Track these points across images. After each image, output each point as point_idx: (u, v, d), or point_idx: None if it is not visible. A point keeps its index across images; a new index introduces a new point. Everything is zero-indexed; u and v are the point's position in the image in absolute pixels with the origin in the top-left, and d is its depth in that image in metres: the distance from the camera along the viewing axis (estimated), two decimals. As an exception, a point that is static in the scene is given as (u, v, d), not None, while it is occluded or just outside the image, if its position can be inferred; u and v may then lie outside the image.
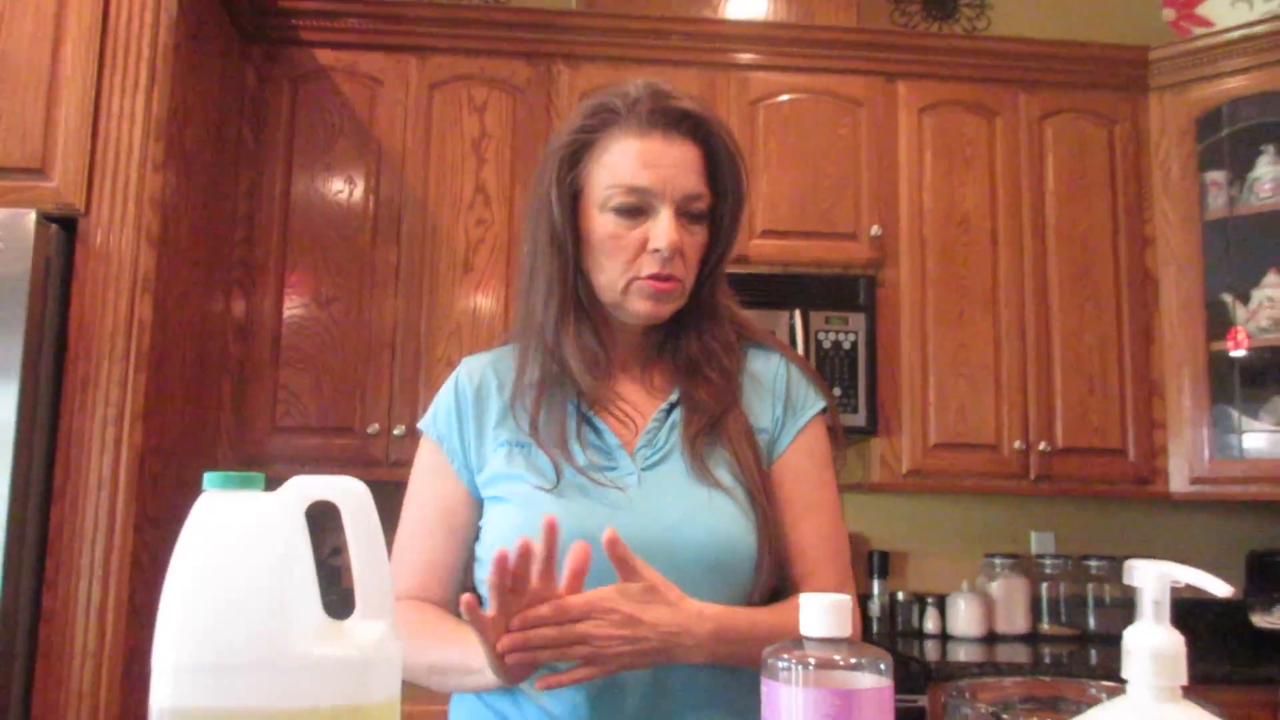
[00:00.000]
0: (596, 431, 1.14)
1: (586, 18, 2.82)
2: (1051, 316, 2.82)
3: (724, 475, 1.12)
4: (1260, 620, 2.78)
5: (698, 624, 1.00)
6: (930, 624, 2.91)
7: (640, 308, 1.13)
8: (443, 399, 1.21)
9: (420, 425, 1.22)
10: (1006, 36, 3.05)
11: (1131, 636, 0.64)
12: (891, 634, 2.92)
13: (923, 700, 2.36)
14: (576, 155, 1.14)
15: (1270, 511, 3.01)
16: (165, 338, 2.12)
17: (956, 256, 2.82)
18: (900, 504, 3.07)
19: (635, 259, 1.11)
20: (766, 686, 0.71)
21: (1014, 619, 2.89)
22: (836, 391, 2.68)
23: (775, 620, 1.05)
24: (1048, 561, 2.98)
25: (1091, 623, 2.91)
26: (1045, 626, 2.92)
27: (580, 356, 1.13)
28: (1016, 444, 2.76)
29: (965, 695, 0.72)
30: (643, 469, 1.12)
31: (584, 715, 1.04)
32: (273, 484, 0.65)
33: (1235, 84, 2.81)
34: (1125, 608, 2.86)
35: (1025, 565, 2.99)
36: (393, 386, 2.63)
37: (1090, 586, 2.92)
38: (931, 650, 2.67)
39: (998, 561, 2.96)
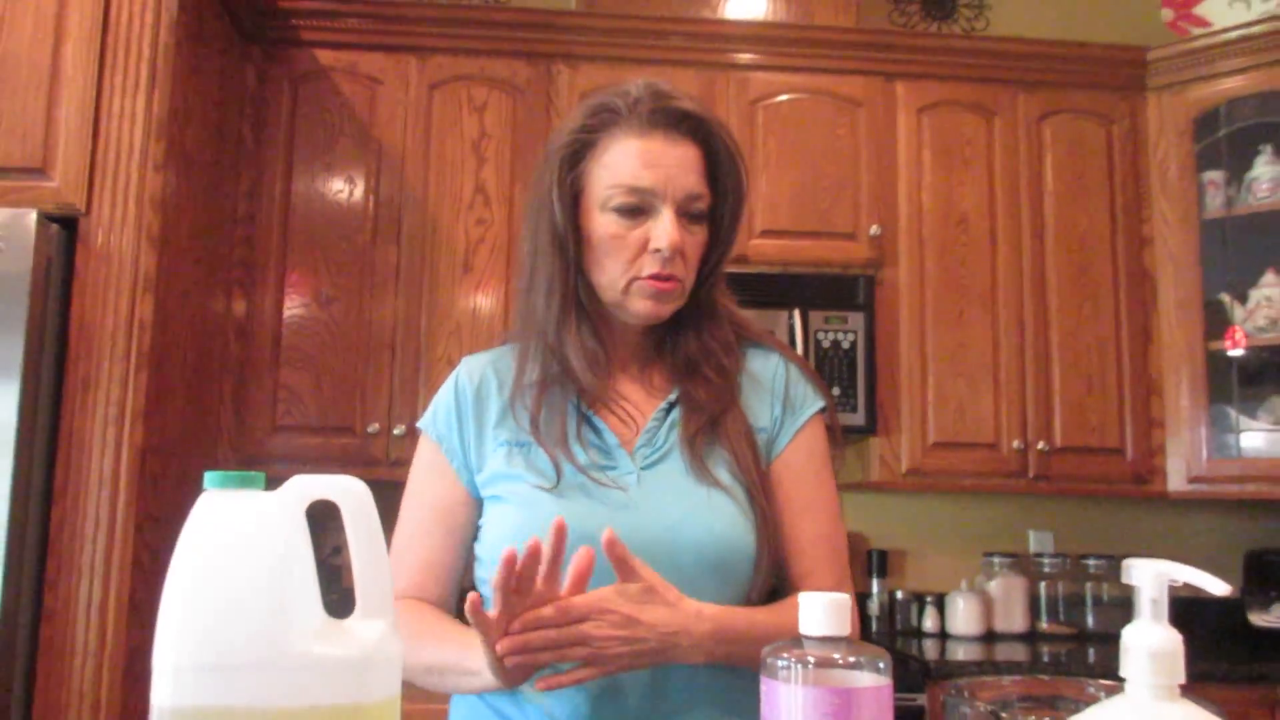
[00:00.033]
0: (596, 431, 1.15)
1: (586, 18, 2.83)
2: (1050, 316, 2.82)
3: (723, 474, 1.12)
4: (1258, 619, 2.78)
5: (696, 624, 1.00)
6: (929, 623, 2.91)
7: (641, 307, 1.13)
8: (442, 398, 1.21)
9: (420, 424, 1.22)
10: (1005, 37, 3.05)
11: (1129, 635, 0.64)
12: (890, 633, 2.92)
13: (922, 699, 2.36)
14: (577, 155, 1.14)
15: (1268, 510, 3.01)
16: (166, 337, 2.13)
17: (955, 256, 2.82)
18: (899, 503, 3.07)
19: (636, 259, 1.11)
20: (766, 685, 0.71)
21: (1012, 618, 2.90)
22: (836, 391, 2.68)
23: (774, 620, 1.06)
24: (1046, 560, 2.99)
25: (1090, 621, 2.91)
26: (1044, 625, 2.93)
27: (582, 355, 1.14)
28: (1015, 443, 2.76)
29: (964, 694, 0.73)
30: (642, 468, 1.13)
31: (584, 714, 1.05)
32: (273, 483, 0.65)
33: (1233, 84, 2.81)
34: (1123, 606, 2.86)
35: (1024, 564, 2.99)
36: (393, 386, 2.63)
37: (1088, 585, 2.93)
38: (930, 649, 2.68)
39: (996, 560, 2.96)
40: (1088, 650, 2.73)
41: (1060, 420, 2.79)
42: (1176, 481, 2.78)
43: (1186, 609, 2.38)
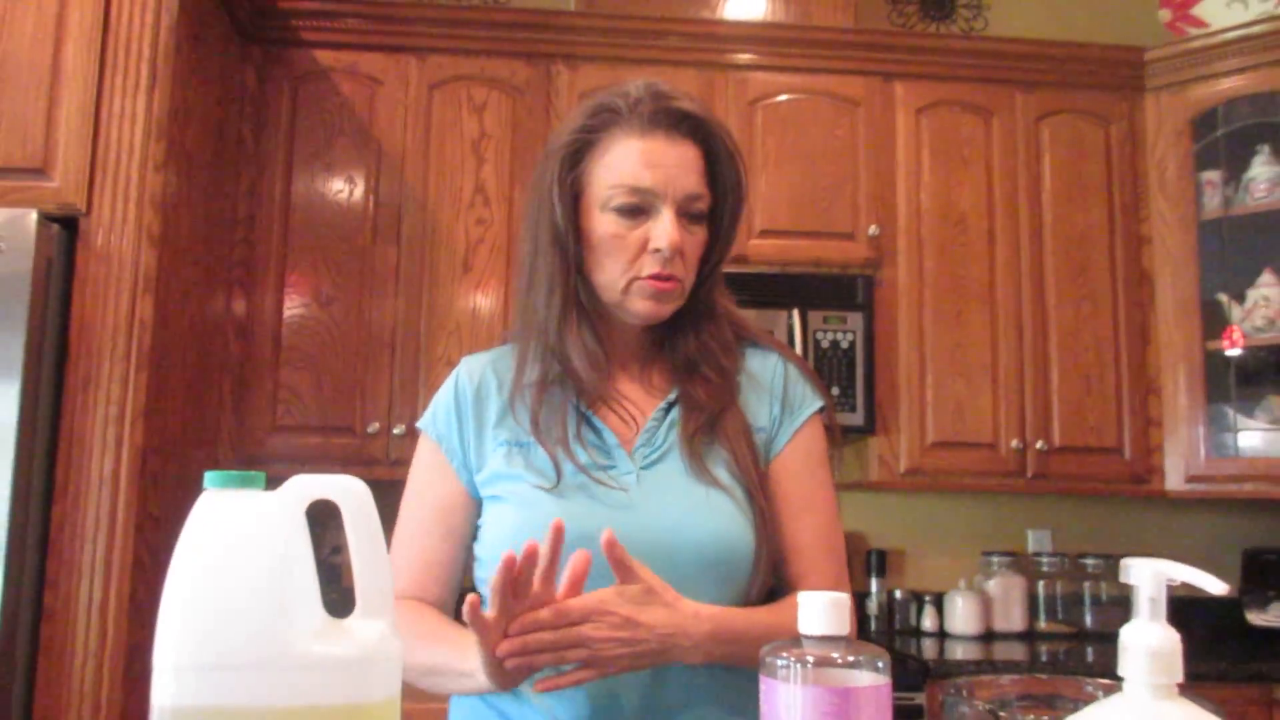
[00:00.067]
0: (596, 430, 1.15)
1: (586, 18, 2.83)
2: (1048, 316, 2.83)
3: (722, 474, 1.12)
4: (1255, 618, 2.79)
5: (695, 625, 1.00)
6: (928, 622, 2.91)
7: (641, 307, 1.13)
8: (442, 398, 1.21)
9: (419, 424, 1.22)
10: (1003, 37, 3.05)
11: (1128, 634, 0.64)
12: (889, 632, 2.92)
13: (920, 698, 2.37)
14: (578, 155, 1.14)
15: (1265, 509, 3.02)
16: (166, 337, 2.13)
17: (954, 256, 2.82)
18: (898, 503, 3.08)
19: (636, 259, 1.11)
20: (765, 684, 0.71)
21: (1011, 617, 2.90)
22: (835, 391, 2.68)
23: (772, 619, 1.06)
24: (1044, 559, 2.99)
25: (1088, 620, 2.92)
26: (1042, 624, 2.93)
27: (582, 355, 1.14)
28: (1013, 443, 2.76)
29: (963, 693, 0.73)
30: (641, 467, 1.13)
31: (584, 714, 1.05)
32: (273, 483, 0.65)
33: (1231, 84, 2.81)
34: (1121, 605, 2.87)
35: (1022, 563, 3.00)
36: (392, 386, 2.63)
37: (1087, 584, 2.93)
38: (929, 648, 2.68)
39: (995, 560, 2.96)
40: (1086, 649, 2.74)
41: (1058, 420, 2.79)
42: (1174, 481, 2.79)
43: (1184, 608, 2.38)
